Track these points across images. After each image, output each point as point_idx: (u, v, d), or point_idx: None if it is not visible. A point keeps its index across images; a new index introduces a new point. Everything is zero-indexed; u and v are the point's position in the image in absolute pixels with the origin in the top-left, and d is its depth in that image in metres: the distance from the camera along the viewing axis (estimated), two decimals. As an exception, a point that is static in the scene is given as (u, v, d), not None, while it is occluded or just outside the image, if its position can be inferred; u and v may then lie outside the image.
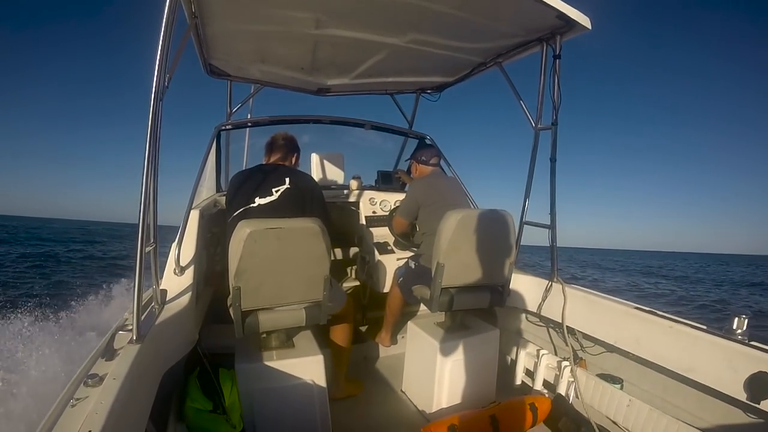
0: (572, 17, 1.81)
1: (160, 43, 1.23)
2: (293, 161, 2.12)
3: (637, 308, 1.82)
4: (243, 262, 1.48)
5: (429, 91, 3.16)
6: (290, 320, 1.66)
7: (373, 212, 2.98)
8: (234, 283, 1.50)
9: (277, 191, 1.83)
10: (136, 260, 1.16)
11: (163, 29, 1.24)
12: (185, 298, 1.60)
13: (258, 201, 1.80)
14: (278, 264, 1.55)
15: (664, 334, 1.63)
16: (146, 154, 1.18)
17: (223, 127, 2.72)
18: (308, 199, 1.91)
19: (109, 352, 1.12)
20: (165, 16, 1.23)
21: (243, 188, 1.86)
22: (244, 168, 2.51)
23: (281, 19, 1.92)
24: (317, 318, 1.70)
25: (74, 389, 0.95)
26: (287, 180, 1.87)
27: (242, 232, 1.47)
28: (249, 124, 2.80)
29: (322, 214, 1.88)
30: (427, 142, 3.16)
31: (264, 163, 2.08)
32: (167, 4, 1.23)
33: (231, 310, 1.59)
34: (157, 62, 1.22)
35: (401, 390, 2.33)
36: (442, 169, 2.69)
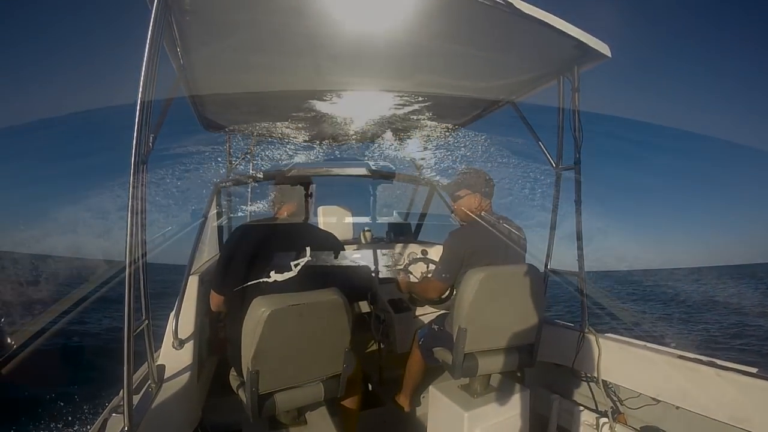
0: (591, 45, 1.69)
1: (140, 93, 1.10)
2: (309, 212, 1.84)
3: (680, 357, 1.69)
4: (262, 343, 1.34)
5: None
6: (308, 397, 1.55)
7: (386, 267, 2.84)
8: (251, 367, 1.36)
9: (296, 265, 1.58)
10: (124, 343, 1.07)
11: (143, 78, 1.10)
12: (186, 375, 1.51)
13: (274, 277, 1.55)
14: (300, 342, 1.45)
15: (712, 384, 1.54)
16: (129, 223, 1.05)
17: (223, 185, 2.62)
18: (329, 270, 1.69)
19: None
20: (145, 67, 1.10)
21: (251, 251, 1.58)
22: (247, 221, 2.28)
23: (277, 66, 1.83)
24: (335, 391, 1.60)
25: None
26: (308, 250, 1.62)
27: (260, 312, 1.33)
28: (250, 180, 2.70)
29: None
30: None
31: (275, 215, 1.79)
32: (145, 55, 1.10)
33: (242, 391, 1.46)
34: (137, 117, 1.08)
35: None
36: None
